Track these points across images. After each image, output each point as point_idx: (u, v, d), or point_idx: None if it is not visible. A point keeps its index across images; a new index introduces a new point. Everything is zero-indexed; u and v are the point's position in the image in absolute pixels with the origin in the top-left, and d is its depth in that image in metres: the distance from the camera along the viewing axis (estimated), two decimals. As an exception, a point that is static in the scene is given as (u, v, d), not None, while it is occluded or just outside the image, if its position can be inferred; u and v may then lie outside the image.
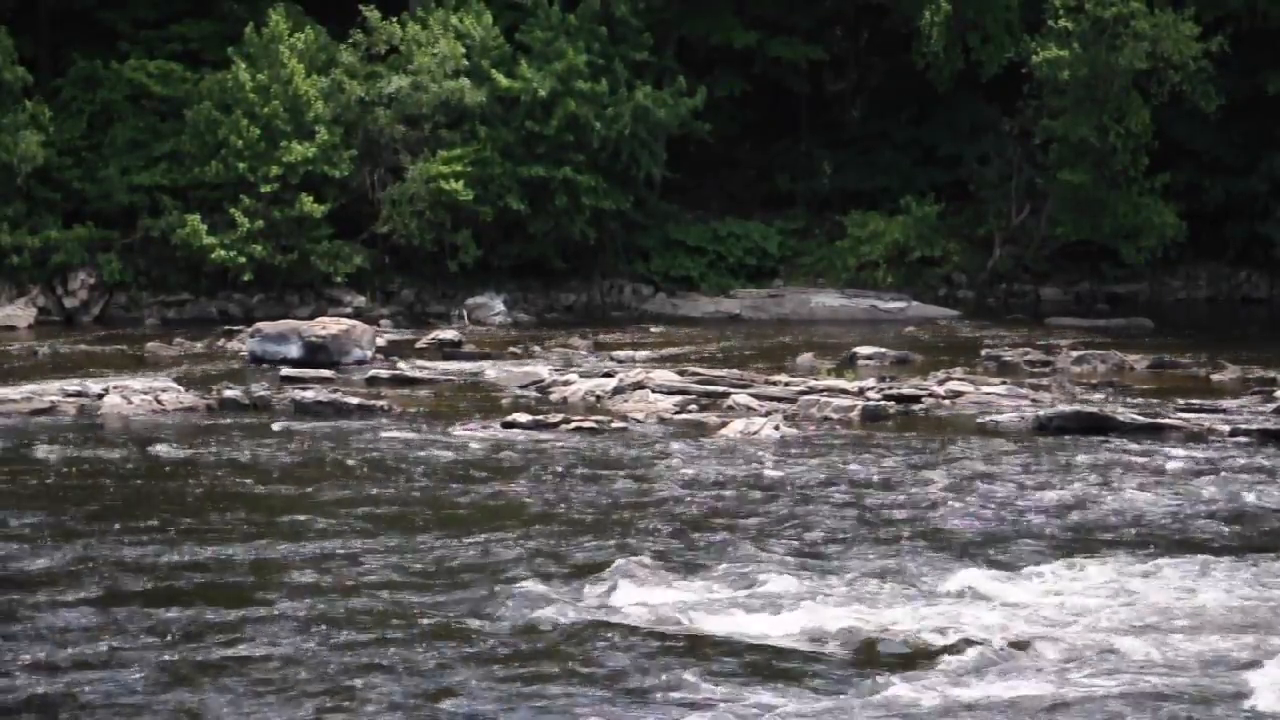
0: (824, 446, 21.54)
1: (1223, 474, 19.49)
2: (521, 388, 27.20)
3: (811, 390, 25.56)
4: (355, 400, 25.17)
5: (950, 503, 17.77)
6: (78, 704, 11.16)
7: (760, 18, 46.13)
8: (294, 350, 30.12)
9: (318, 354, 29.97)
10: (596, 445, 21.70)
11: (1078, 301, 44.57)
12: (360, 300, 41.23)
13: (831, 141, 47.41)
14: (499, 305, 40.61)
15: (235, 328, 35.33)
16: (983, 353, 31.70)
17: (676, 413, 24.38)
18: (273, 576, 14.55)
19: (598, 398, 25.85)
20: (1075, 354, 31.15)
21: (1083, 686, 11.42)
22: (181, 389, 25.73)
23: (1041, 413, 23.58)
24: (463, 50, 42.25)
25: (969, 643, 12.38)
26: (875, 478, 19.33)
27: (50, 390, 25.54)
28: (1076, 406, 24.06)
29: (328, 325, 31.06)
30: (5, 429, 23.10)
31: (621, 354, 31.84)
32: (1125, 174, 42.90)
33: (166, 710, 11.03)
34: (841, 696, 11.27)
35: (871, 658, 12.22)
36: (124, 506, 17.73)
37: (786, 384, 26.29)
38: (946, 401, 25.51)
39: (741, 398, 25.18)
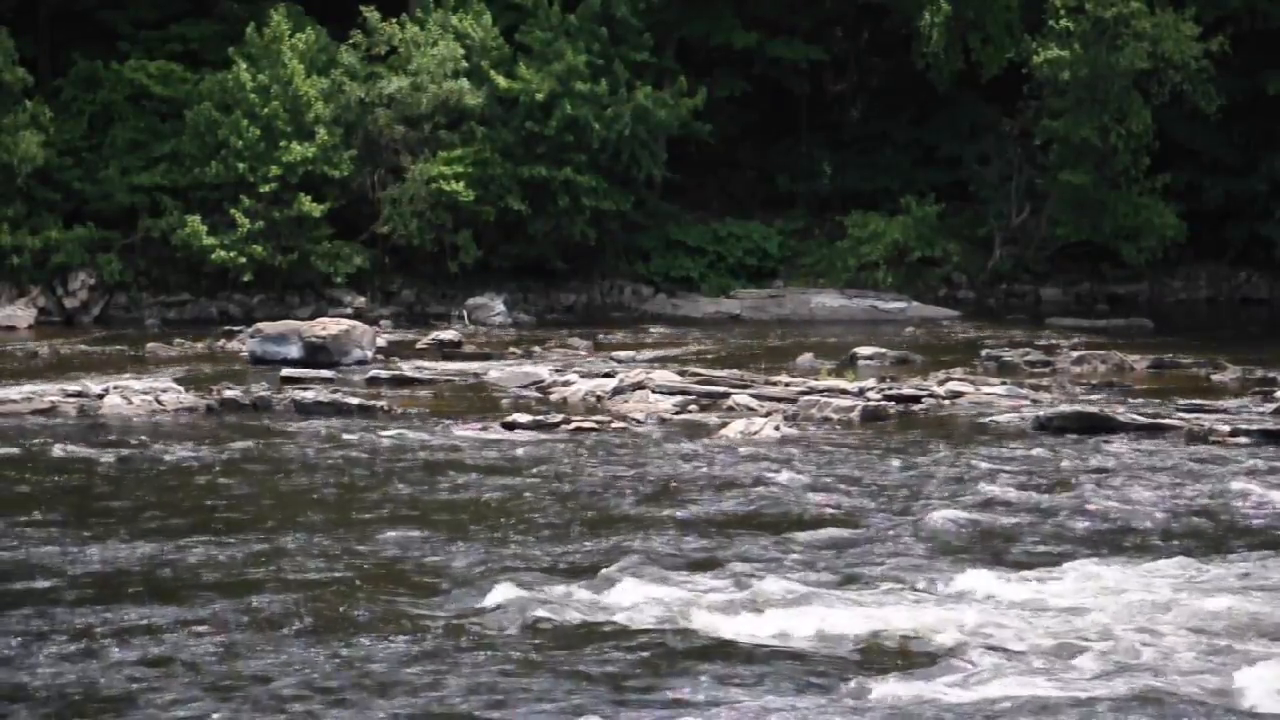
0: (824, 447, 21.53)
1: (1223, 474, 19.48)
2: (521, 388, 27.20)
3: (812, 391, 25.56)
4: (355, 401, 25.18)
5: (950, 503, 17.76)
6: (70, 700, 11.16)
7: (760, 18, 46.14)
8: (294, 350, 30.13)
9: (318, 354, 29.98)
10: (596, 446, 21.69)
11: (1078, 302, 44.59)
12: (360, 300, 41.25)
13: (832, 142, 47.42)
14: (499, 306, 40.62)
15: (235, 328, 35.35)
16: (983, 353, 31.71)
17: (677, 413, 24.38)
18: (270, 576, 14.55)
19: (598, 398, 25.84)
20: (1075, 354, 31.16)
21: (1082, 687, 11.41)
22: (182, 389, 25.73)
23: (1042, 413, 23.57)
24: (462, 51, 42.28)
25: (969, 643, 12.37)
26: (875, 478, 19.32)
27: (50, 390, 25.55)
28: (1077, 407, 24.06)
29: (328, 326, 31.07)
30: (5, 429, 23.10)
31: (622, 354, 31.85)
32: (1126, 174, 42.94)
33: (160, 708, 11.03)
34: (841, 697, 11.26)
35: (872, 658, 12.21)
36: (123, 506, 17.73)
37: (787, 384, 26.29)
38: (947, 402, 25.52)
39: (742, 398, 25.18)
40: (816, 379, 27.20)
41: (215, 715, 10.91)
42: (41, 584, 14.25)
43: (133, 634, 12.65)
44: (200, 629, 12.82)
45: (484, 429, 22.99)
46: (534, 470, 19.82)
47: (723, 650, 12.34)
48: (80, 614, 13.18)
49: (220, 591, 13.99)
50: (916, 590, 13.99)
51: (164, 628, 12.83)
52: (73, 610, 13.30)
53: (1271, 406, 24.48)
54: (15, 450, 21.29)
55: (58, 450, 21.16)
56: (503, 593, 13.69)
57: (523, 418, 23.37)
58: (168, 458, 20.82)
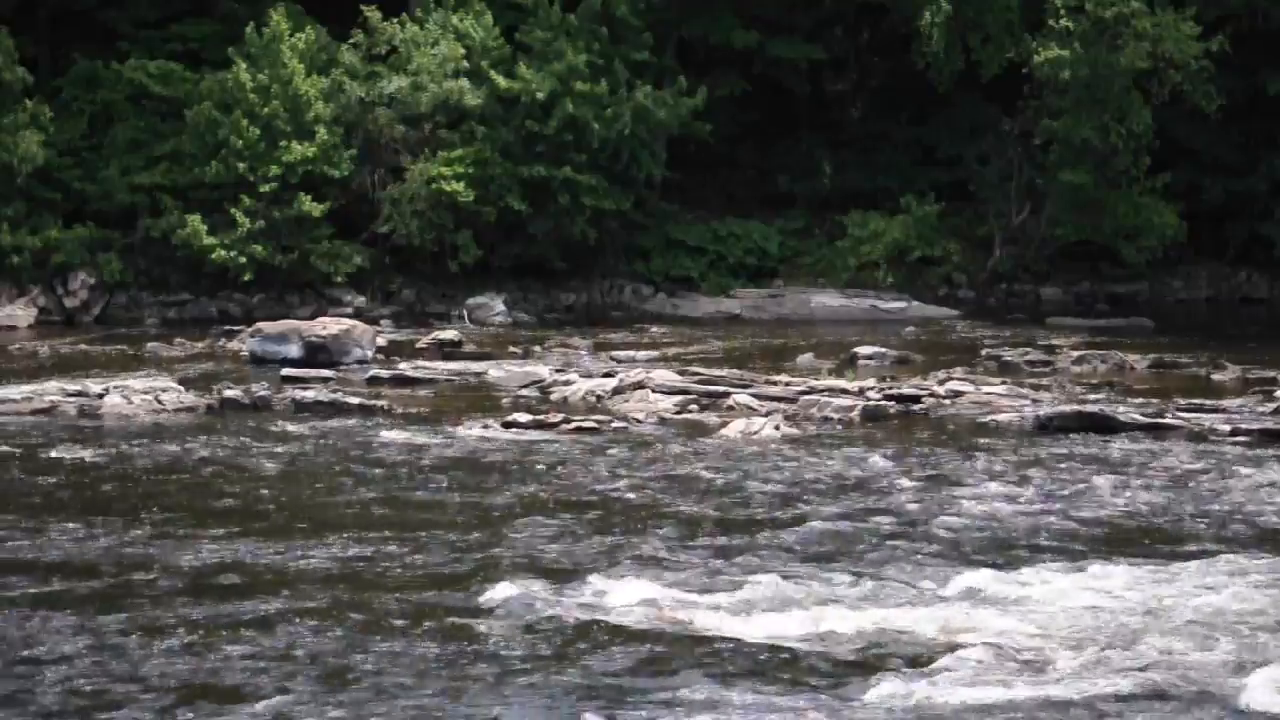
0: (824, 446, 21.53)
1: (1223, 474, 19.49)
2: (522, 388, 27.19)
3: (812, 390, 25.55)
4: (355, 400, 25.18)
5: (951, 503, 17.76)
6: (68, 701, 11.16)
7: (760, 18, 46.09)
8: (294, 350, 30.12)
9: (318, 354, 29.97)
10: (596, 445, 21.70)
11: (1078, 301, 44.54)
12: (360, 300, 41.21)
13: (831, 141, 47.35)
14: (499, 305, 40.61)
15: (235, 328, 35.31)
16: (983, 353, 31.70)
17: (677, 413, 24.38)
18: (270, 576, 14.56)
19: (598, 398, 25.83)
20: (1075, 354, 31.14)
21: (1082, 687, 11.42)
22: (182, 389, 25.71)
23: (1042, 413, 23.57)
24: (462, 51, 42.27)
25: (969, 643, 12.37)
26: (875, 478, 19.32)
27: (50, 390, 25.52)
28: (1077, 406, 24.06)
29: (328, 325, 31.06)
30: (5, 429, 23.09)
31: (622, 354, 31.84)
32: (1126, 174, 42.93)
33: (160, 708, 11.03)
34: (841, 697, 11.27)
35: (872, 658, 12.21)
36: (124, 506, 17.73)
37: (787, 384, 26.28)
38: (947, 401, 25.49)
39: (742, 398, 25.16)
40: (817, 378, 27.19)
41: (214, 710, 10.93)
42: (37, 583, 14.26)
43: (126, 634, 12.67)
44: (194, 628, 12.83)
45: (484, 429, 22.99)
46: (534, 470, 19.82)
47: (722, 650, 12.34)
48: (77, 613, 13.19)
49: (216, 591, 14.00)
50: (916, 590, 13.99)
51: (158, 628, 12.84)
52: (69, 609, 13.31)
53: (1271, 406, 24.48)
54: (15, 451, 21.28)
55: (57, 450, 21.12)
56: (503, 592, 13.70)
57: (523, 417, 23.37)
58: (168, 458, 20.81)
